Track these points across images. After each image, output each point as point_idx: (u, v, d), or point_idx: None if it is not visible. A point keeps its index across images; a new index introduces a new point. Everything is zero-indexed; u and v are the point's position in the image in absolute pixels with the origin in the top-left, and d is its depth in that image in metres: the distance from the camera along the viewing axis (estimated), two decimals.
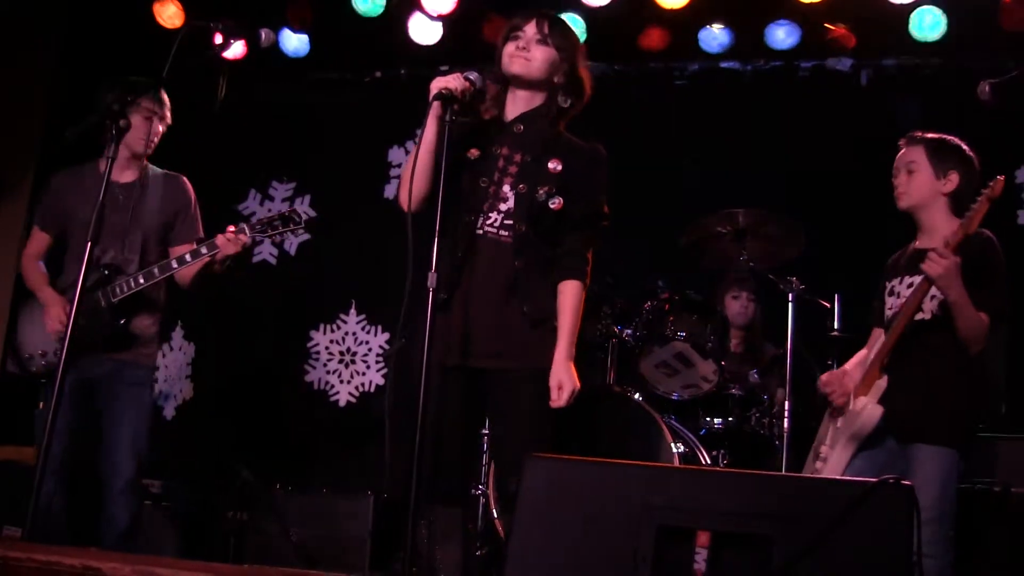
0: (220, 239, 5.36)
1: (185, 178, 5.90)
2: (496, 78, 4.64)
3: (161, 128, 5.76)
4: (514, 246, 4.47)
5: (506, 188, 4.50)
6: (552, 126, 4.64)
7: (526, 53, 4.53)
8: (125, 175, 5.70)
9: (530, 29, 4.57)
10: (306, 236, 9.23)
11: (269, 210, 9.19)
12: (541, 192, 4.47)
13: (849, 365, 5.17)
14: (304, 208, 9.25)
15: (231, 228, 5.37)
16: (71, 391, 5.26)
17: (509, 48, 4.57)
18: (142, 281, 5.45)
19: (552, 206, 4.47)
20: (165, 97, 5.73)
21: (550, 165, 4.51)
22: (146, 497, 6.85)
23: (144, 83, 5.50)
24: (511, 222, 4.47)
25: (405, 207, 4.34)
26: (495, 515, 6.10)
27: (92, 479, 5.66)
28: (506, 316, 4.45)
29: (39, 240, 5.84)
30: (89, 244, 4.57)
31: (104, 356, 5.51)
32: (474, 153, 4.57)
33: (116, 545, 5.42)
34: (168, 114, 5.77)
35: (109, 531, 5.51)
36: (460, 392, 4.47)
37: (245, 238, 5.35)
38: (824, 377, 5.10)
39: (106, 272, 5.49)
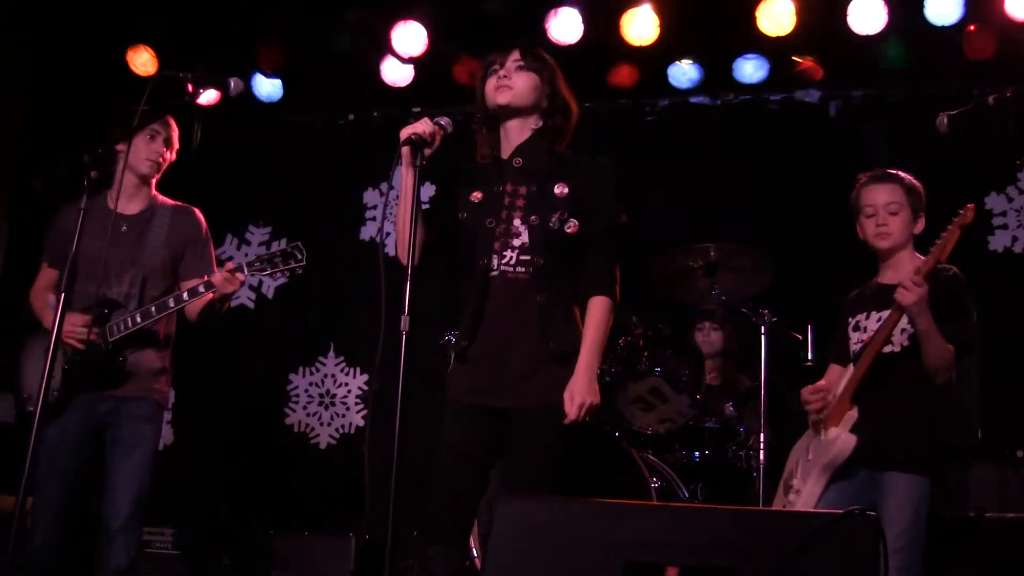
0: (217, 278, 5.26)
1: (197, 210, 5.78)
2: (484, 119, 4.61)
3: (168, 153, 5.66)
4: (533, 281, 4.39)
5: (517, 223, 4.44)
6: (550, 152, 4.58)
7: (508, 81, 4.49)
8: (131, 206, 5.61)
9: (507, 60, 4.54)
10: (283, 279, 9.27)
11: (246, 254, 9.25)
12: (554, 220, 4.40)
13: None
14: None
15: (229, 265, 5.30)
16: (77, 433, 5.28)
17: (491, 82, 4.54)
18: (139, 320, 5.34)
19: (568, 231, 4.40)
20: (173, 123, 5.66)
21: (556, 190, 4.44)
22: None
23: (150, 111, 5.47)
24: (528, 257, 4.40)
25: (404, 262, 4.25)
26: (475, 554, 6.11)
27: (89, 522, 5.54)
28: (532, 353, 4.38)
29: (47, 275, 5.71)
30: (66, 281, 4.59)
31: (105, 394, 5.38)
32: (477, 196, 4.52)
33: None
34: (175, 139, 5.70)
35: (108, 574, 5.35)
36: (483, 432, 4.41)
37: (243, 276, 5.27)
38: (808, 390, 5.05)
39: (105, 311, 5.39)
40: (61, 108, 8.32)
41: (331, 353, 9.15)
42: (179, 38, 8.42)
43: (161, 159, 5.65)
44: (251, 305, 9.35)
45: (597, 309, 4.44)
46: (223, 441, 8.86)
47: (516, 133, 4.59)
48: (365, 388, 8.97)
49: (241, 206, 9.27)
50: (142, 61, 8.54)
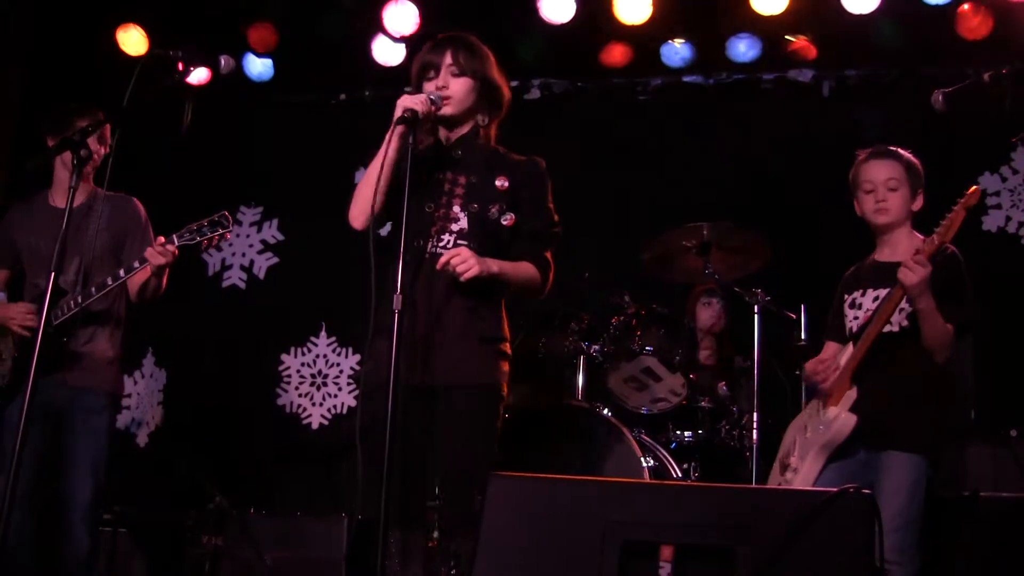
0: (149, 251, 5.33)
1: (135, 199, 5.91)
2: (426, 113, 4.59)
3: (102, 148, 5.72)
4: None
5: (456, 209, 4.51)
6: (487, 145, 4.69)
7: (447, 92, 4.54)
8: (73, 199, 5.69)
9: (442, 63, 4.57)
10: (275, 260, 9.26)
11: (237, 235, 9.21)
12: (493, 210, 4.49)
13: None
14: (272, 232, 9.28)
15: (160, 239, 5.37)
16: (37, 416, 5.27)
17: (428, 89, 4.56)
18: (80, 301, 5.44)
19: (504, 222, 4.48)
20: (102, 118, 5.62)
21: (497, 183, 4.52)
22: (120, 524, 6.85)
23: (80, 107, 5.60)
24: (464, 242, 4.45)
25: (356, 225, 4.51)
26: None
27: (56, 507, 5.61)
28: (458, 333, 4.43)
29: None
30: (52, 274, 4.57)
31: (59, 378, 5.48)
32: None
33: (77, 574, 5.46)
34: (107, 133, 5.75)
35: (69, 559, 5.50)
36: (422, 411, 4.42)
37: (173, 247, 5.33)
38: (811, 364, 5.08)
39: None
40: (56, 90, 8.24)
41: (323, 333, 9.12)
42: (170, 17, 8.38)
43: (96, 154, 5.69)
44: (242, 285, 9.32)
45: (523, 264, 4.55)
46: (214, 421, 8.83)
47: (457, 126, 4.67)
48: (357, 368, 8.94)
49: (232, 187, 9.21)
50: (132, 40, 8.49)
